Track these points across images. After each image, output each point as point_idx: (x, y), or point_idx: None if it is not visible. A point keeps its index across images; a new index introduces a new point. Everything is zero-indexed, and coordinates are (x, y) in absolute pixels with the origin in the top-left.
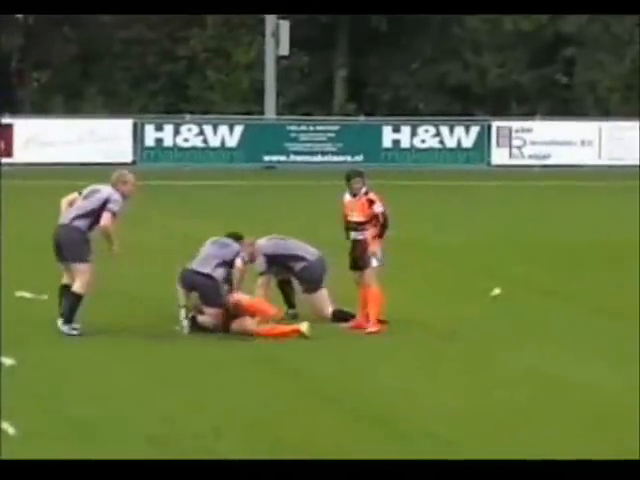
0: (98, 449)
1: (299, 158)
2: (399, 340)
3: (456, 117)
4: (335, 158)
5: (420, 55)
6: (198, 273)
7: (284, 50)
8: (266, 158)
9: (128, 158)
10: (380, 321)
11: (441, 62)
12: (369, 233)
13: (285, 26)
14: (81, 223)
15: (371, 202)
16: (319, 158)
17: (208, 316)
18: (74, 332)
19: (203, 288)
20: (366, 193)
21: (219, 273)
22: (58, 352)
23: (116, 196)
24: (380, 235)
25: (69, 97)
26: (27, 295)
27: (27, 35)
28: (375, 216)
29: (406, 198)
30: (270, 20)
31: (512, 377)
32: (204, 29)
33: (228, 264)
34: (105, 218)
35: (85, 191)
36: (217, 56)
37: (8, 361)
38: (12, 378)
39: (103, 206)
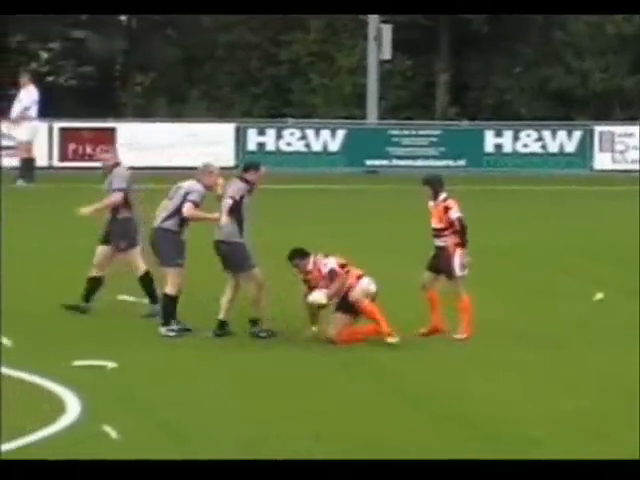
0: (193, 452)
1: (401, 162)
2: (487, 344)
3: (558, 122)
4: (437, 163)
5: (522, 59)
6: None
7: (386, 54)
8: (368, 162)
9: (230, 162)
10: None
11: (543, 66)
12: (450, 240)
13: (387, 30)
14: (170, 223)
15: (447, 208)
16: (421, 162)
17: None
18: (171, 334)
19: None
20: (445, 199)
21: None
22: (155, 356)
23: (197, 187)
24: (461, 243)
25: (172, 101)
26: (129, 299)
27: (130, 38)
28: (451, 223)
29: (508, 203)
30: (372, 24)
31: (599, 381)
32: (307, 33)
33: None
34: (186, 208)
35: (170, 191)
36: (320, 60)
37: (109, 364)
38: (112, 381)
39: (185, 200)
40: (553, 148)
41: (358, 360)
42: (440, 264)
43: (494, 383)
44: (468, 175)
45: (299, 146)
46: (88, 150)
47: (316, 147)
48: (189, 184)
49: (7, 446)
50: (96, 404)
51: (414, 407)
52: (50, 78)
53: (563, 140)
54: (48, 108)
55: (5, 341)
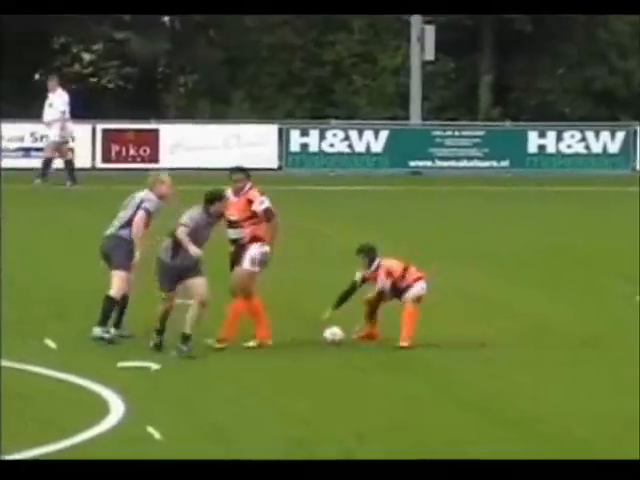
0: (236, 451)
1: (444, 163)
2: (536, 344)
3: (602, 122)
4: (480, 164)
5: (565, 59)
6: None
7: (429, 55)
8: (411, 163)
9: (274, 163)
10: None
11: (587, 66)
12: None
13: (431, 31)
14: (125, 232)
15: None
16: (464, 163)
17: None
18: (106, 335)
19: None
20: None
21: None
22: (199, 357)
23: (150, 196)
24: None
25: (215, 102)
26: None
27: (173, 40)
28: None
29: (551, 204)
30: (415, 25)
31: None
32: (350, 34)
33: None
34: (138, 217)
35: (125, 201)
36: (363, 61)
37: (153, 366)
38: (156, 382)
39: (137, 210)
40: (596, 149)
41: (401, 360)
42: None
43: (542, 383)
44: (511, 176)
45: (342, 147)
46: (131, 152)
47: (359, 148)
48: (144, 194)
49: (52, 447)
50: (140, 405)
51: (458, 406)
52: (93, 80)
53: (606, 140)
54: (90, 109)
55: (50, 343)
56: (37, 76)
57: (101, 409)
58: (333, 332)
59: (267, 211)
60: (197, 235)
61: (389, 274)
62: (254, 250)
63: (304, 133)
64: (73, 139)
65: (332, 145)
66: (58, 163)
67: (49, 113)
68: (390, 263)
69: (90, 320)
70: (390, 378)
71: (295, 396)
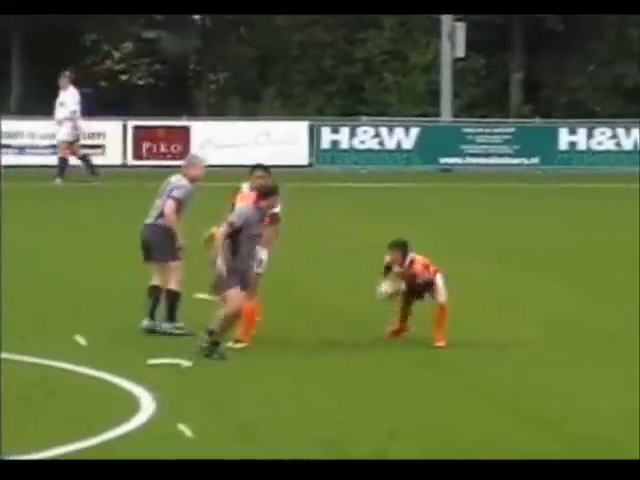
0: (267, 450)
1: (475, 160)
2: (565, 342)
3: (632, 119)
4: (511, 160)
5: (596, 57)
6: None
7: (460, 52)
8: (442, 160)
9: (304, 160)
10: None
11: (617, 64)
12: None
13: (461, 28)
14: (162, 221)
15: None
16: (495, 160)
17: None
18: (177, 331)
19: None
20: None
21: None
22: (231, 355)
23: (181, 182)
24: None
25: (246, 99)
26: (206, 297)
27: (204, 37)
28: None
29: (581, 201)
30: (446, 22)
31: None
32: (381, 31)
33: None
34: (168, 207)
35: (161, 186)
36: (394, 58)
37: (184, 363)
38: (187, 380)
39: (167, 199)
40: (628, 145)
41: (432, 358)
42: None
43: (573, 382)
44: (541, 173)
45: (373, 144)
46: (162, 149)
47: (390, 145)
48: (175, 179)
49: (81, 444)
50: (171, 403)
51: (489, 406)
52: (124, 77)
53: (637, 137)
54: (121, 107)
55: (80, 340)
56: (67, 73)
57: (131, 406)
58: (385, 287)
59: (276, 215)
60: (249, 232)
61: (426, 267)
62: (260, 252)
63: (335, 130)
64: (83, 136)
65: (363, 142)
66: (73, 161)
67: (60, 111)
68: (422, 258)
69: (121, 316)
70: (421, 376)
71: (326, 395)
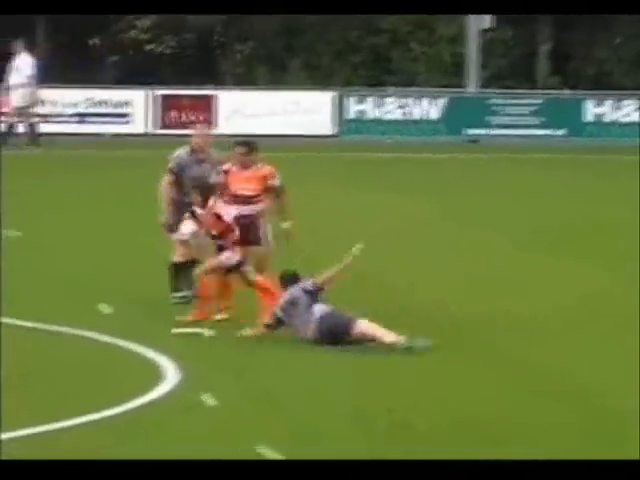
0: (292, 420)
1: (501, 131)
2: (601, 320)
3: None
4: (537, 132)
5: (623, 30)
6: None
7: (487, 23)
8: (468, 131)
9: (330, 131)
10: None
11: None
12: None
13: None
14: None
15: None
16: (521, 132)
17: None
18: (183, 300)
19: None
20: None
21: None
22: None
23: (176, 153)
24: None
25: (272, 69)
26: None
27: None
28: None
29: (607, 173)
30: None
31: None
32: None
33: None
34: (163, 179)
35: None
36: (420, 29)
37: (207, 332)
38: (210, 349)
39: None
40: None
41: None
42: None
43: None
44: (568, 144)
45: (398, 114)
46: (188, 118)
47: (416, 115)
48: (176, 152)
49: (107, 412)
50: (195, 372)
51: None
52: (149, 46)
53: None
54: (147, 76)
55: (105, 309)
56: (92, 42)
57: (155, 375)
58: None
59: (282, 187)
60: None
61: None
62: (267, 227)
63: (361, 100)
64: (39, 104)
65: (388, 112)
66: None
67: (14, 77)
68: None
69: (146, 286)
70: (446, 357)
71: (352, 365)
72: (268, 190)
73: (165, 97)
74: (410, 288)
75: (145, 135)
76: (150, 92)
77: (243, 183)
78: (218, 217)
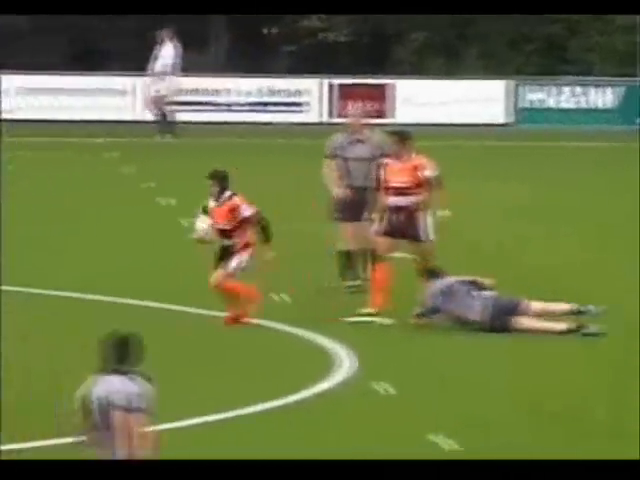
0: (466, 409)
1: None
2: None
3: None
4: None
5: None
6: None
7: None
8: None
9: (502, 119)
10: None
11: None
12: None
13: None
14: None
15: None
16: None
17: None
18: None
19: None
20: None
21: None
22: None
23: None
24: None
25: (447, 58)
26: (406, 256)
27: None
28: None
29: None
30: None
31: None
32: None
33: None
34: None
35: None
36: (596, 18)
37: (380, 320)
38: (384, 338)
39: None
40: None
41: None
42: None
43: None
44: None
45: (572, 103)
46: (362, 107)
47: (590, 104)
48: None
49: (280, 402)
50: (370, 361)
51: None
52: (323, 34)
53: None
54: (321, 64)
55: (284, 297)
56: (265, 31)
57: (330, 363)
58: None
59: (437, 178)
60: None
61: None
62: (426, 221)
63: (534, 89)
64: (176, 93)
65: (562, 102)
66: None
67: (156, 66)
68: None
69: (323, 275)
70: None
71: (525, 356)
72: (423, 182)
73: (340, 86)
74: None
75: (319, 124)
76: (326, 81)
77: (397, 175)
78: (232, 210)
